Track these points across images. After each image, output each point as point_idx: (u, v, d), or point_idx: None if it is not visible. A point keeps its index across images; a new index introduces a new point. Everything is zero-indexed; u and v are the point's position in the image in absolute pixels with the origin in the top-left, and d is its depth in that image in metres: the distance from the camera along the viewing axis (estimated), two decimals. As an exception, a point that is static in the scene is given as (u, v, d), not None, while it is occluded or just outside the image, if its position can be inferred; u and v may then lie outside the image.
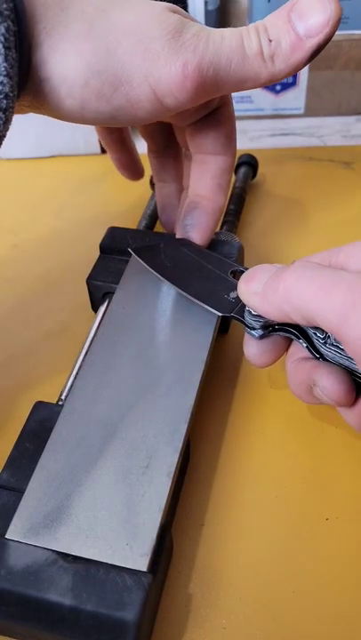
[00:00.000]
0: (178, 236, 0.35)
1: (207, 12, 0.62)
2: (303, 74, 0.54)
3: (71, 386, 0.31)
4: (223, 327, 0.36)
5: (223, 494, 0.29)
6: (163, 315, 0.32)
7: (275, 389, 0.34)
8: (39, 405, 0.29)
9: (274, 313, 0.26)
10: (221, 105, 0.33)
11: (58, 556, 0.24)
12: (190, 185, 0.34)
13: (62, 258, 0.43)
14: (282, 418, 0.32)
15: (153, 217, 0.42)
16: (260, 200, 0.48)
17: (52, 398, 0.31)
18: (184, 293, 0.31)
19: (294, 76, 0.55)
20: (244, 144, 0.54)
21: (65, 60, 0.26)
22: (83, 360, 0.32)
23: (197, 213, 0.34)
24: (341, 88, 0.56)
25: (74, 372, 0.32)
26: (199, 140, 0.33)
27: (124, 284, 0.34)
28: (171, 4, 0.28)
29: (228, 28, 0.28)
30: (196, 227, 0.34)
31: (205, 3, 0.61)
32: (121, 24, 0.26)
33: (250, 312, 0.28)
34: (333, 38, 0.54)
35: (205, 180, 0.33)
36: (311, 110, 0.57)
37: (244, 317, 0.29)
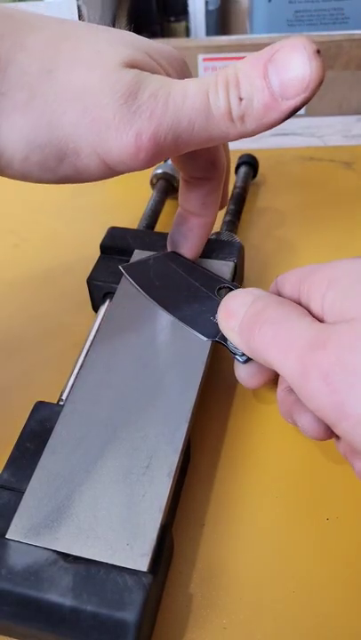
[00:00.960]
0: (168, 250, 0.35)
1: (208, 12, 0.62)
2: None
3: (72, 386, 0.31)
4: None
5: (224, 494, 0.29)
6: (163, 315, 0.32)
7: (274, 389, 0.34)
8: (39, 405, 0.29)
9: (251, 356, 0.26)
10: None
11: (58, 556, 0.24)
12: (180, 198, 0.33)
13: (63, 258, 0.43)
14: (282, 419, 0.32)
15: (153, 217, 0.42)
16: (260, 200, 0.48)
17: (52, 398, 0.31)
18: (170, 315, 0.32)
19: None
20: (244, 144, 0.54)
21: (0, 135, 0.23)
22: (83, 360, 0.32)
23: (185, 228, 0.33)
24: (342, 88, 0.56)
25: (74, 372, 0.32)
26: (181, 165, 0.31)
27: (125, 284, 0.34)
28: (133, 53, 0.24)
29: (194, 82, 0.24)
30: (184, 241, 0.34)
31: (206, 3, 0.61)
32: (67, 88, 0.23)
33: None
34: (334, 38, 0.55)
35: (192, 199, 0.32)
36: (312, 110, 0.57)
37: (227, 342, 0.29)
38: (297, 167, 0.51)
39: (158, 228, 0.42)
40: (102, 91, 0.23)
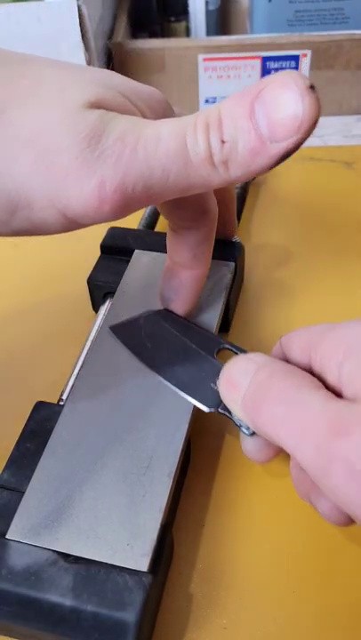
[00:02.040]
0: (161, 307, 0.32)
1: (208, 12, 0.62)
2: (304, 73, 0.54)
3: (72, 386, 0.31)
4: (224, 326, 0.36)
5: (224, 494, 0.29)
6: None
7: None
8: (40, 405, 0.29)
9: (257, 432, 0.23)
10: None
11: (58, 556, 0.24)
12: (168, 250, 0.30)
13: (63, 258, 0.43)
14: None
15: (153, 217, 0.42)
16: (260, 200, 0.48)
17: (52, 398, 0.31)
18: (168, 384, 0.28)
19: (295, 76, 0.55)
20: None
21: None
22: (83, 360, 0.32)
23: (176, 283, 0.30)
24: (342, 88, 0.56)
25: (74, 372, 0.32)
26: (165, 213, 0.28)
27: (125, 284, 0.34)
28: (96, 90, 0.21)
29: (169, 123, 0.21)
30: (175, 297, 0.31)
31: (206, 3, 0.61)
32: (20, 131, 0.20)
33: None
34: (334, 38, 0.55)
35: (181, 250, 0.29)
36: (312, 110, 0.57)
37: (232, 414, 0.26)
38: (297, 167, 0.51)
39: (158, 228, 0.42)
40: (60, 133, 0.20)
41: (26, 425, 0.28)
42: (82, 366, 0.31)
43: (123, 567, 0.23)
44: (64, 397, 0.31)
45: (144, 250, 0.36)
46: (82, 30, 0.46)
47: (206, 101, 0.56)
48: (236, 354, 0.28)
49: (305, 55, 0.53)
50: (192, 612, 0.26)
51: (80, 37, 0.47)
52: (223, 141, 0.20)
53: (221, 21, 0.65)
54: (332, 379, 0.22)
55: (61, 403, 0.31)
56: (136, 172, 0.20)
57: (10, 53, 0.23)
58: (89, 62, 0.49)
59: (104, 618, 0.22)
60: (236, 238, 0.39)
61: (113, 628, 0.22)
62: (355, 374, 0.21)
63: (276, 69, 0.54)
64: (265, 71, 0.54)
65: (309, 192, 0.49)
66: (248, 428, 0.25)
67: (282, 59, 0.54)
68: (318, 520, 0.28)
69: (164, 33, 0.63)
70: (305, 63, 0.54)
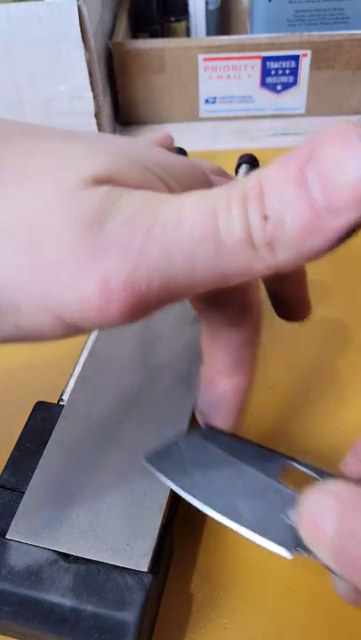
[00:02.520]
0: (200, 424, 0.26)
1: (208, 12, 0.62)
2: (304, 73, 0.54)
3: (72, 386, 0.31)
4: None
5: (224, 494, 0.29)
6: (163, 314, 0.32)
7: (274, 389, 0.34)
8: (40, 405, 0.29)
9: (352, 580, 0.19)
10: None
11: (58, 556, 0.24)
12: (203, 354, 0.24)
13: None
14: (282, 417, 0.32)
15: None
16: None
17: (52, 398, 0.31)
18: (235, 526, 0.22)
19: (295, 76, 0.55)
20: (244, 144, 0.54)
21: None
22: (83, 360, 0.32)
23: (215, 397, 0.24)
24: (342, 88, 0.56)
25: (74, 372, 0.32)
26: (200, 306, 0.23)
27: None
28: (107, 161, 0.17)
29: (195, 195, 0.16)
30: (215, 416, 0.25)
31: (206, 3, 0.61)
32: (6, 216, 0.16)
33: None
34: (334, 38, 0.55)
35: (219, 354, 0.23)
36: (312, 110, 0.57)
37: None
38: (297, 167, 0.51)
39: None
40: (54, 217, 0.16)
41: (26, 425, 0.28)
42: (82, 366, 0.31)
43: (123, 567, 0.23)
44: (64, 397, 0.31)
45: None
46: (82, 30, 0.46)
47: (206, 101, 0.56)
48: (304, 472, 0.24)
49: (305, 55, 0.53)
50: (192, 612, 0.26)
51: (80, 37, 0.47)
52: (266, 217, 0.15)
53: (221, 21, 0.65)
54: None
55: (61, 403, 0.31)
56: (151, 262, 0.16)
57: (13, 124, 0.19)
58: (89, 62, 0.49)
59: (104, 618, 0.22)
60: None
61: (113, 628, 0.22)
62: None
63: (276, 69, 0.54)
64: (265, 71, 0.54)
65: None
66: None
67: (282, 59, 0.54)
68: (318, 520, 0.28)
69: (164, 33, 0.63)
70: (305, 63, 0.54)
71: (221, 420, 0.25)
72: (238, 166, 0.48)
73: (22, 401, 0.30)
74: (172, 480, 0.24)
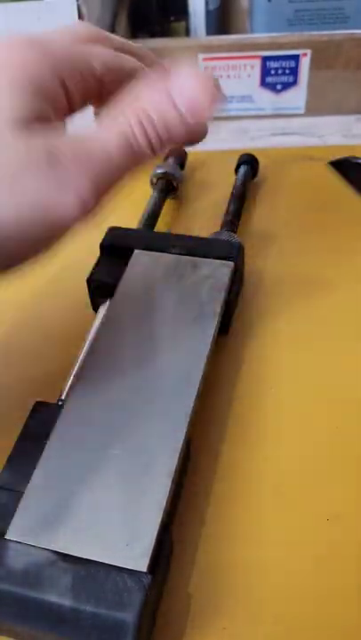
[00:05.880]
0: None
1: (208, 12, 0.62)
2: (304, 73, 0.54)
3: (72, 386, 0.31)
4: (223, 327, 0.36)
5: (223, 494, 0.29)
6: (163, 315, 0.32)
7: (275, 390, 0.34)
8: (39, 405, 0.29)
9: None
10: None
11: (57, 556, 0.23)
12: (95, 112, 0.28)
13: (62, 257, 0.43)
14: (282, 417, 0.32)
15: (153, 217, 0.42)
16: (260, 200, 0.48)
17: (52, 398, 0.31)
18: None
19: (295, 76, 0.55)
20: (244, 143, 0.54)
21: None
22: (83, 360, 0.32)
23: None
24: (342, 87, 0.55)
25: (74, 372, 0.32)
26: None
27: (125, 284, 0.34)
28: (30, 106, 0.22)
29: (107, 129, 0.23)
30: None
31: (206, 2, 0.61)
32: None
33: None
34: (334, 37, 0.54)
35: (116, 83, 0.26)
36: (312, 110, 0.57)
37: None
38: (297, 167, 0.51)
39: (158, 227, 0.42)
40: (22, 164, 0.21)
41: (25, 425, 0.28)
42: (81, 366, 0.31)
43: (122, 567, 0.23)
44: (63, 397, 0.31)
45: (144, 250, 0.36)
46: (81, 30, 0.46)
47: (206, 101, 0.56)
48: None
49: (305, 55, 0.53)
50: (192, 612, 0.26)
51: (80, 37, 0.47)
52: (159, 135, 0.23)
53: (221, 21, 0.65)
54: None
55: (61, 403, 0.31)
56: (99, 176, 0.22)
57: None
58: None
59: (103, 618, 0.22)
60: (236, 238, 0.39)
61: (112, 628, 0.22)
62: None
63: (276, 69, 0.54)
64: (265, 71, 0.54)
65: (309, 192, 0.49)
66: None
67: (282, 58, 0.54)
68: (318, 521, 0.28)
69: (164, 33, 0.63)
70: (305, 63, 0.54)
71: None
72: (238, 166, 0.48)
73: (22, 401, 0.30)
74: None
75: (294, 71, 0.54)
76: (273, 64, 0.54)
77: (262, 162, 0.49)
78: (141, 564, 0.23)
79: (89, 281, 0.36)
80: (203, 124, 0.24)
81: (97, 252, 0.38)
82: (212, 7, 0.62)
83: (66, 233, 0.24)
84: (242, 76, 0.55)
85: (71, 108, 0.25)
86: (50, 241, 0.24)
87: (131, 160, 0.23)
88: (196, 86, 0.23)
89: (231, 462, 0.31)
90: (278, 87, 0.55)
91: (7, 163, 0.21)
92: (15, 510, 0.25)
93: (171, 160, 0.47)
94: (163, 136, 0.23)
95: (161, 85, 0.23)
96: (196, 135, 0.24)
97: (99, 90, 0.26)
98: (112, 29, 0.56)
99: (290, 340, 0.37)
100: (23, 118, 0.21)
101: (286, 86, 0.55)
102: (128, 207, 0.47)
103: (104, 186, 0.23)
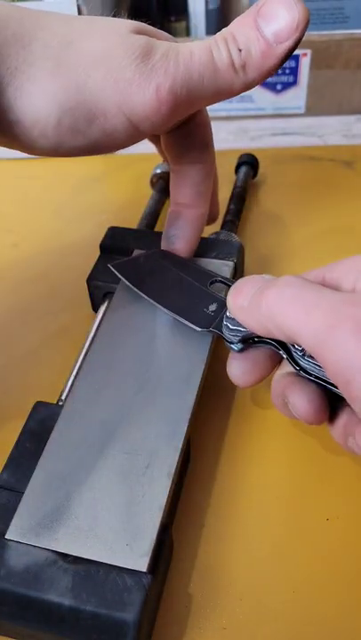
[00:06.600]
0: (163, 247, 0.34)
1: (208, 12, 0.62)
2: (304, 73, 0.54)
3: (71, 386, 0.31)
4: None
5: (223, 494, 0.29)
6: (163, 315, 0.32)
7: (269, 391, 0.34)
8: (39, 405, 0.29)
9: (258, 329, 0.25)
10: (194, 113, 0.31)
11: (58, 556, 0.23)
12: (171, 194, 0.33)
13: (62, 258, 0.43)
14: (283, 418, 0.32)
15: (153, 217, 0.42)
16: (260, 200, 0.48)
17: (52, 398, 0.31)
18: (163, 309, 0.31)
19: (295, 76, 0.54)
20: (244, 143, 0.54)
21: (34, 102, 0.25)
22: (83, 360, 0.32)
23: (180, 224, 0.33)
24: (342, 87, 0.55)
25: (74, 372, 0.32)
26: (174, 150, 0.32)
27: (125, 284, 0.34)
28: (136, 23, 0.27)
29: (197, 42, 0.27)
30: (179, 238, 0.33)
31: (206, 2, 0.61)
32: (88, 55, 0.26)
33: (228, 326, 0.28)
34: (334, 37, 0.55)
35: (185, 188, 0.32)
36: (312, 110, 0.57)
37: (222, 332, 0.29)
38: (297, 167, 0.51)
39: (158, 227, 0.42)
40: (120, 54, 0.25)
41: (25, 425, 0.28)
42: (81, 366, 0.31)
43: (122, 567, 0.23)
44: (63, 397, 0.31)
45: (144, 250, 0.36)
46: (81, 30, 0.46)
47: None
48: (228, 285, 0.32)
49: (305, 55, 0.53)
50: (192, 612, 0.26)
51: (80, 37, 0.47)
52: (240, 50, 0.26)
53: (221, 21, 0.65)
54: (347, 286, 0.25)
55: (61, 403, 0.31)
56: (180, 77, 0.26)
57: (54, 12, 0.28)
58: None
59: (103, 618, 0.22)
60: (236, 238, 0.39)
61: (112, 628, 0.22)
62: None
63: (276, 69, 0.54)
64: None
65: (309, 192, 0.49)
66: (238, 344, 0.28)
67: (282, 58, 0.53)
68: (318, 521, 0.28)
69: (164, 33, 0.63)
70: (305, 63, 0.54)
71: (183, 241, 0.34)
72: (238, 166, 0.48)
73: (22, 401, 0.30)
74: (127, 279, 0.33)
75: (294, 71, 0.54)
76: (273, 64, 0.54)
77: (262, 162, 0.49)
78: (141, 564, 0.23)
79: (88, 281, 0.36)
80: (281, 50, 0.26)
81: (97, 252, 0.38)
82: (212, 7, 0.62)
83: (134, 130, 0.27)
84: (242, 76, 0.55)
85: None
86: (118, 133, 0.27)
87: (211, 72, 0.26)
88: (282, 12, 0.25)
89: (232, 462, 0.31)
90: (278, 87, 0.55)
91: (115, 48, 0.26)
92: (15, 510, 0.25)
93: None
94: (246, 56, 0.26)
95: (249, 16, 0.26)
96: (271, 65, 0.26)
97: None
98: (112, 29, 0.56)
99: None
100: (137, 28, 0.27)
101: (286, 86, 0.55)
102: (128, 207, 0.47)
103: (183, 90, 0.26)
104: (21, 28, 0.25)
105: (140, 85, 0.25)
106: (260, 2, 0.26)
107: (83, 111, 0.26)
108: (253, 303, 0.25)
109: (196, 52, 0.26)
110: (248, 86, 0.27)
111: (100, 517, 0.24)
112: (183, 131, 0.31)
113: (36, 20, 0.26)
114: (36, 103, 0.25)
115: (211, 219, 0.38)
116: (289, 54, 0.26)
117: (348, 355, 0.21)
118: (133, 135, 0.27)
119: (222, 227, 0.41)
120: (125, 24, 0.27)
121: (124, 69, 0.25)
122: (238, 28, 0.26)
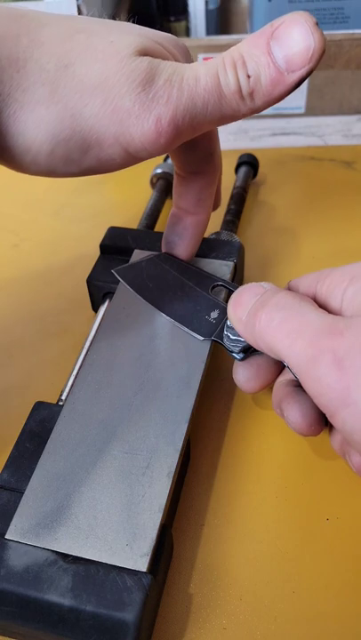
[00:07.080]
0: (163, 251, 0.34)
1: (208, 12, 0.62)
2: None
3: (71, 386, 0.31)
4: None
5: (223, 494, 0.29)
6: (163, 315, 0.32)
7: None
8: (39, 405, 0.29)
9: (254, 345, 0.26)
10: None
11: (58, 556, 0.24)
12: (174, 198, 0.33)
13: (63, 258, 0.43)
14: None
15: (153, 217, 0.42)
16: (260, 200, 0.48)
17: (52, 398, 0.31)
18: (166, 317, 0.32)
19: (295, 76, 0.54)
20: (244, 143, 0.54)
21: (27, 131, 0.24)
22: (83, 360, 0.32)
23: (181, 227, 0.33)
24: (342, 87, 0.55)
25: (74, 372, 0.32)
26: (178, 159, 0.31)
27: (124, 285, 0.34)
28: (140, 40, 0.25)
29: (203, 64, 0.25)
30: (179, 241, 0.33)
31: (206, 2, 0.61)
32: (85, 80, 0.24)
33: (228, 336, 0.29)
34: (334, 37, 0.55)
35: (187, 194, 0.32)
36: (312, 110, 0.57)
37: (223, 341, 0.29)
38: (297, 167, 0.51)
39: (158, 227, 0.42)
40: (120, 81, 0.24)
41: (25, 425, 0.28)
42: (81, 366, 0.31)
43: (122, 567, 0.23)
44: (63, 397, 0.31)
45: (144, 250, 0.36)
46: (81, 30, 0.46)
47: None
48: (230, 290, 0.32)
49: (305, 55, 0.53)
50: (192, 612, 0.26)
51: (80, 37, 0.47)
52: (248, 76, 0.24)
53: (221, 21, 0.65)
54: (335, 303, 0.25)
55: (61, 403, 0.31)
56: (183, 106, 0.24)
57: (57, 14, 0.26)
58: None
59: (103, 618, 0.22)
60: (236, 238, 0.39)
61: (112, 628, 0.22)
62: (357, 297, 0.24)
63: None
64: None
65: (310, 192, 0.49)
66: (240, 353, 0.28)
67: (282, 58, 0.53)
68: (318, 521, 0.28)
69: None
70: (305, 63, 0.54)
71: (182, 247, 0.33)
72: (238, 166, 0.48)
73: (22, 401, 0.30)
74: (130, 285, 0.33)
75: (294, 71, 0.54)
76: (273, 64, 0.54)
77: (262, 162, 0.49)
78: (141, 564, 0.23)
79: (88, 281, 0.36)
80: (292, 79, 0.24)
81: (97, 252, 0.38)
82: (211, 7, 0.62)
83: (131, 157, 0.26)
84: (242, 76, 0.55)
85: None
86: (113, 161, 0.26)
87: (217, 99, 0.24)
88: (297, 38, 0.23)
89: (231, 462, 0.31)
90: (278, 87, 0.55)
91: (114, 74, 0.24)
92: (15, 510, 0.25)
93: (171, 160, 0.47)
94: (254, 83, 0.24)
95: (262, 37, 0.24)
96: (280, 93, 0.24)
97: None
98: (112, 29, 0.56)
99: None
100: (140, 48, 0.25)
101: (286, 86, 0.55)
102: (128, 207, 0.47)
103: (185, 119, 0.24)
104: (17, 47, 0.24)
105: (140, 117, 0.24)
106: (277, 22, 0.24)
107: (77, 142, 0.24)
108: (249, 320, 0.26)
109: (202, 78, 0.24)
110: (254, 112, 0.25)
111: (100, 517, 0.24)
112: (188, 142, 0.30)
113: (35, 34, 0.24)
114: (29, 133, 0.24)
115: (213, 207, 0.37)
116: (299, 84, 0.24)
117: (328, 389, 0.21)
118: (130, 162, 0.26)
119: (222, 227, 0.41)
120: (128, 43, 0.25)
121: (123, 98, 0.24)
122: (250, 49, 0.24)
